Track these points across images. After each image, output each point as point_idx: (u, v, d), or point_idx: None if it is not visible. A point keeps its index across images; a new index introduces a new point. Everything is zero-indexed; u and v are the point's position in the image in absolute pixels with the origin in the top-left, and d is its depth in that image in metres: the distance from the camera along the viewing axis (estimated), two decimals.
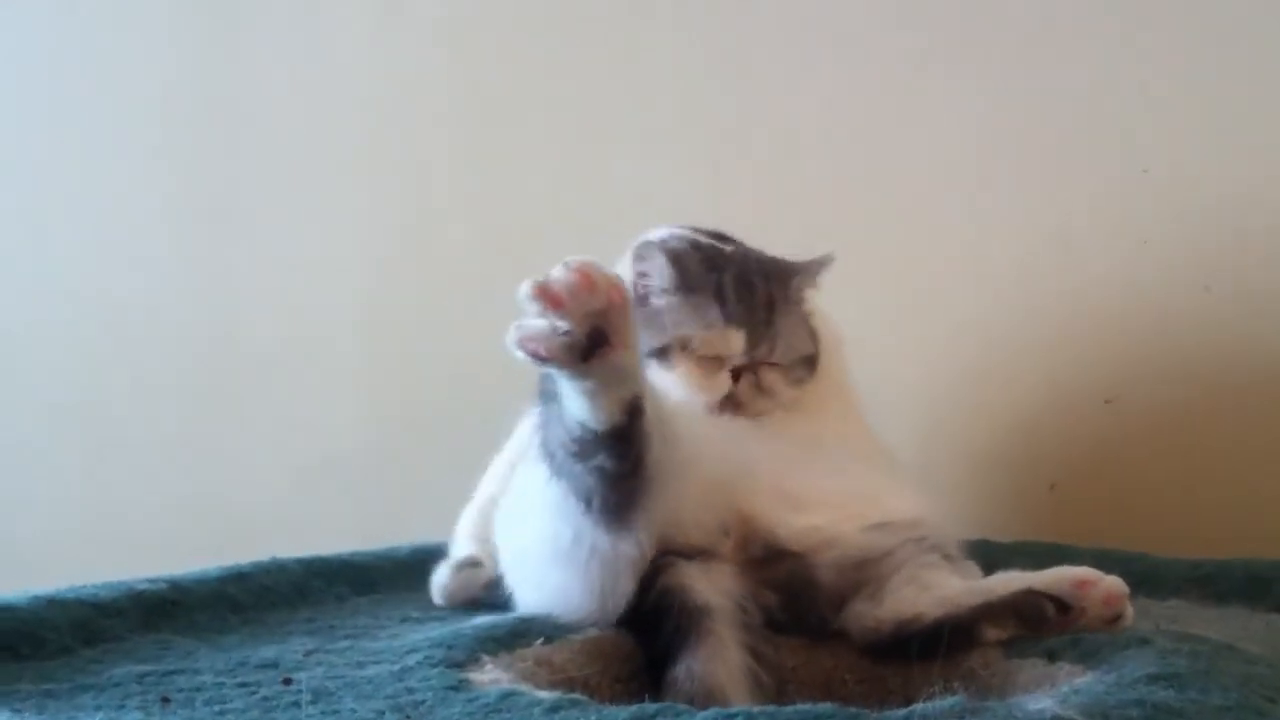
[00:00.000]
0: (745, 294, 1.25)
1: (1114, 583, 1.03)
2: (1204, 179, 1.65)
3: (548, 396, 1.01)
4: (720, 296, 1.24)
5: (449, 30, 2.05)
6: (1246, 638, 1.09)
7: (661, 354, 1.23)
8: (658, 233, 1.32)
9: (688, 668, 0.98)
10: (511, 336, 0.90)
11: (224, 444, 2.11)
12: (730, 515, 1.12)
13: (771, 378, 1.26)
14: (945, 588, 1.06)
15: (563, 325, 0.90)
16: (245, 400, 2.11)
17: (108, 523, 2.11)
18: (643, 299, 1.24)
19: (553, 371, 0.95)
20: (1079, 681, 0.87)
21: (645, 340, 1.20)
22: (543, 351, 0.90)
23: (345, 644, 1.04)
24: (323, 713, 0.80)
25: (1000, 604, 1.02)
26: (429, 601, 1.28)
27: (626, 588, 1.04)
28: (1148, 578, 1.39)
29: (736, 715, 0.75)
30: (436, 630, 1.05)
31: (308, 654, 0.99)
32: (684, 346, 1.23)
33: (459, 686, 0.86)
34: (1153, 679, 0.82)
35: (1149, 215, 1.66)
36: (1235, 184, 1.64)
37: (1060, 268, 1.71)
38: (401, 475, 1.99)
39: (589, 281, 0.89)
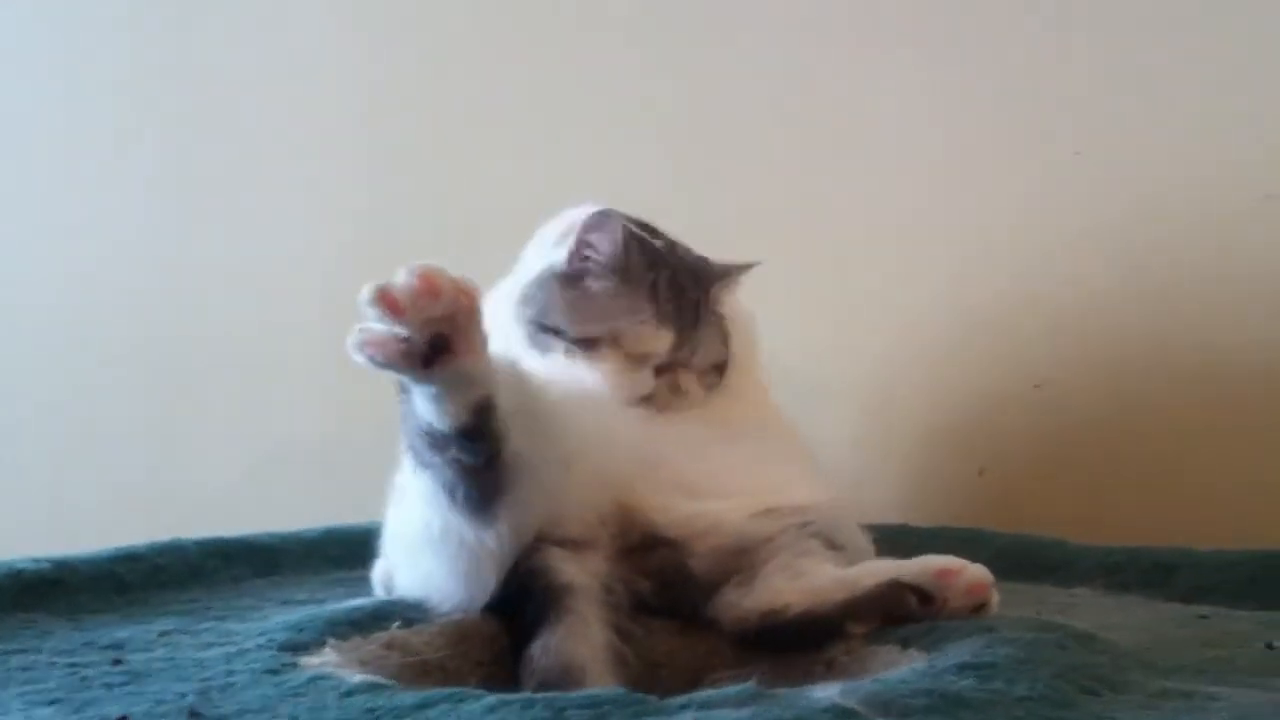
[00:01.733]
0: (677, 296, 1.24)
1: (977, 572, 1.02)
2: (1134, 164, 1.62)
3: (404, 388, 1.00)
4: (654, 295, 1.23)
5: (418, 18, 2.04)
6: (1122, 626, 1.08)
7: (589, 344, 1.22)
8: (579, 211, 1.30)
9: (544, 644, 0.97)
10: (352, 340, 0.89)
11: (189, 429, 2.11)
12: (611, 506, 1.12)
13: (687, 380, 1.26)
14: (814, 578, 1.05)
15: (401, 331, 0.89)
16: (211, 386, 2.11)
17: (72, 509, 2.11)
18: (579, 275, 1.23)
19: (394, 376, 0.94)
20: (896, 670, 0.86)
21: (573, 324, 1.21)
22: (380, 357, 0.89)
23: (208, 625, 1.04)
24: (130, 694, 0.81)
25: (865, 599, 1.01)
26: (328, 583, 1.29)
27: (490, 579, 1.03)
28: (1059, 565, 1.39)
29: (513, 703, 0.75)
30: (302, 613, 1.05)
31: (162, 634, 1.00)
32: (615, 341, 1.22)
33: (280, 670, 0.86)
34: (962, 668, 0.81)
35: (1081, 200, 1.64)
36: (1165, 169, 1.61)
37: (991, 252, 1.69)
38: (369, 461, 1.98)
39: (431, 287, 0.87)
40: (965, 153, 1.71)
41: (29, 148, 2.21)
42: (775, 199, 1.79)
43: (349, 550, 1.38)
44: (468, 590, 1.04)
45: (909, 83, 1.75)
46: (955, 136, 1.72)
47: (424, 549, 1.05)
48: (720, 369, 1.29)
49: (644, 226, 1.28)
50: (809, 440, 1.34)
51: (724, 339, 1.30)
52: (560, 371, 1.21)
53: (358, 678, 0.84)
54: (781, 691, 0.79)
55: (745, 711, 0.72)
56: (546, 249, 1.28)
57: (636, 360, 1.22)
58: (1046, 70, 1.68)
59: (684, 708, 0.75)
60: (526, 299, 1.24)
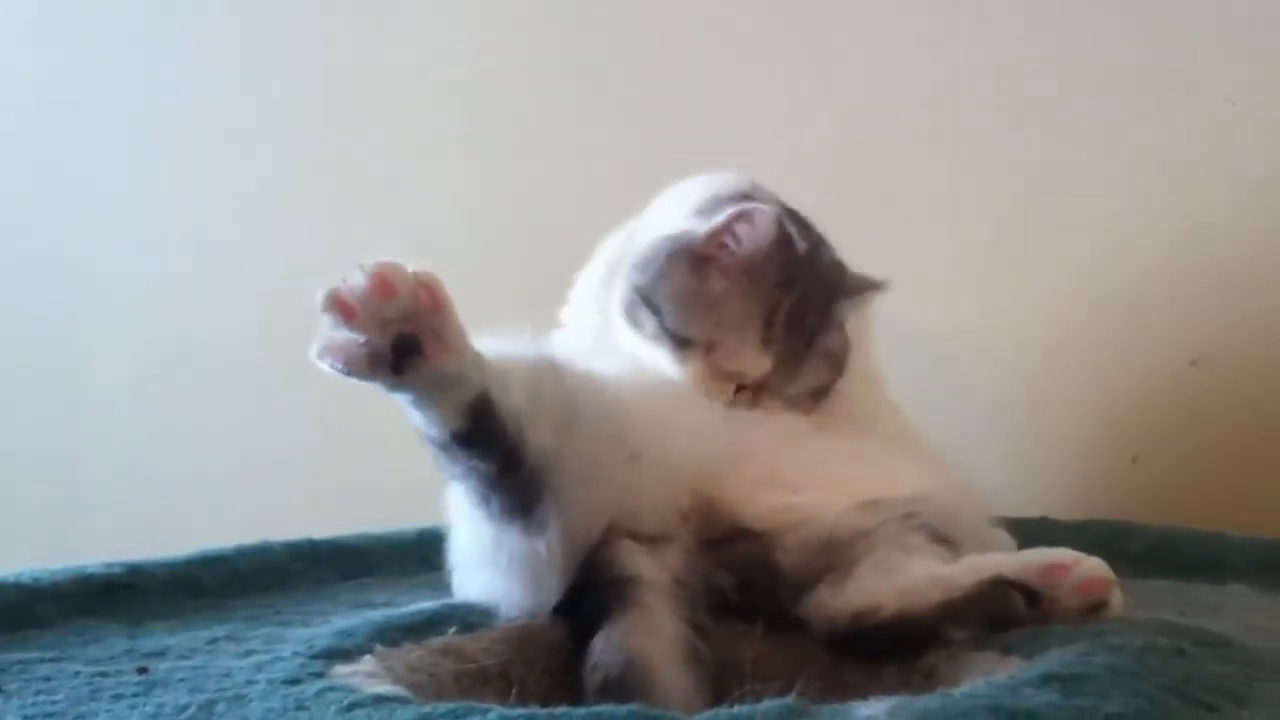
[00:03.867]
0: (794, 325, 1.14)
1: (1091, 567, 0.91)
2: None
3: None
4: (771, 319, 1.13)
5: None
6: (1273, 630, 0.95)
7: (683, 343, 1.13)
8: (727, 181, 1.20)
9: (606, 637, 0.90)
10: (314, 347, 0.83)
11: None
12: (692, 498, 1.03)
13: (770, 403, 1.15)
14: (909, 576, 0.95)
15: (358, 337, 0.82)
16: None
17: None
18: (705, 260, 1.13)
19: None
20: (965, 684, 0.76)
21: (676, 314, 1.12)
22: (342, 365, 0.82)
23: (264, 631, 0.99)
24: (129, 707, 0.76)
25: (964, 600, 0.91)
26: (416, 586, 1.23)
27: (552, 585, 0.96)
28: (1215, 560, 1.26)
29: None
30: (359, 618, 1.00)
31: (210, 642, 0.95)
32: (709, 348, 1.13)
33: (302, 680, 0.80)
34: (1046, 679, 0.70)
35: (1238, 151, 1.48)
36: None
37: (1139, 216, 1.55)
38: None
39: (385, 286, 0.80)
40: (1107, 105, 1.57)
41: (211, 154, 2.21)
42: (896, 171, 1.67)
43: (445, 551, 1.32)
44: (530, 599, 0.97)
45: (1054, 30, 1.61)
46: (1094, 86, 1.58)
47: (478, 562, 0.99)
48: (820, 393, 1.18)
49: (794, 216, 1.17)
50: (942, 430, 1.24)
51: (834, 362, 1.18)
52: (633, 358, 1.14)
53: (370, 690, 0.77)
54: (822, 708, 0.70)
55: None
56: (682, 212, 1.18)
57: (724, 375, 1.13)
58: (1194, 8, 1.53)
59: None
60: (646, 264, 1.14)
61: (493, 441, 0.89)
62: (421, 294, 0.82)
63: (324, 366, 0.82)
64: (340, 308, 0.80)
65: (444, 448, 0.90)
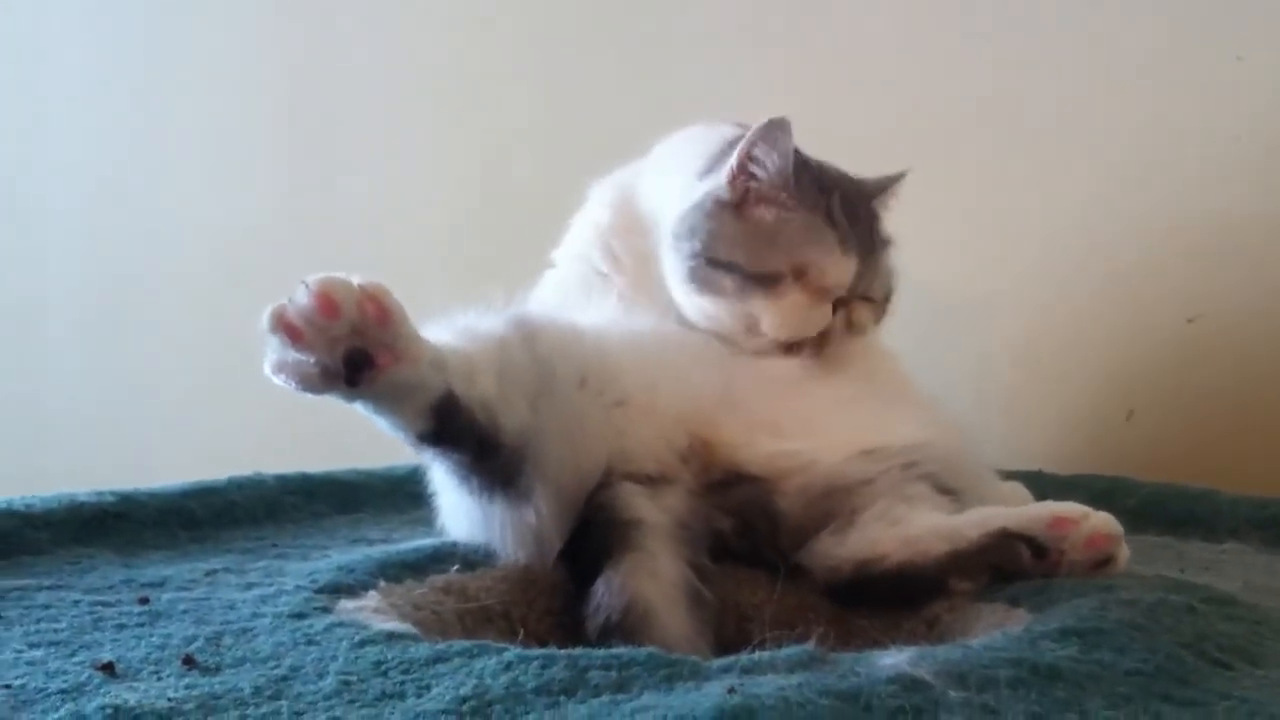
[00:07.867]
0: (852, 218, 1.13)
1: (1100, 521, 0.90)
2: None
3: None
4: (832, 219, 1.11)
5: None
6: (1272, 588, 0.95)
7: (768, 281, 1.10)
8: (717, 133, 1.19)
9: (607, 580, 0.89)
10: (267, 364, 0.80)
11: None
12: (690, 441, 1.03)
13: (863, 314, 1.15)
14: (914, 526, 0.94)
15: (307, 358, 0.79)
16: None
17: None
18: (743, 199, 1.11)
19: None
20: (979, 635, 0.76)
21: (752, 258, 1.10)
22: (296, 383, 0.80)
23: (262, 564, 0.98)
24: (135, 637, 0.75)
25: (970, 551, 0.90)
26: (409, 522, 1.22)
27: (549, 543, 0.95)
28: (1209, 517, 1.27)
29: (532, 659, 0.66)
30: (359, 553, 0.99)
31: (208, 574, 0.94)
32: (799, 274, 1.11)
33: (307, 614, 0.79)
34: (1065, 633, 0.70)
35: (1242, 109, 1.47)
36: None
37: (1140, 171, 1.53)
38: None
39: (329, 305, 0.78)
40: (1112, 58, 1.55)
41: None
42: (891, 126, 1.65)
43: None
44: (528, 556, 0.97)
45: None
46: (1100, 39, 1.55)
47: (470, 526, 0.98)
48: (889, 301, 1.18)
49: None
50: (939, 384, 1.24)
51: (891, 267, 1.18)
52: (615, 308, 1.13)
53: (380, 626, 0.76)
54: (843, 656, 0.69)
55: (795, 678, 0.63)
56: (688, 171, 1.17)
57: (820, 295, 1.12)
58: None
59: (725, 671, 0.65)
60: (691, 230, 1.12)
61: (463, 436, 0.88)
62: (368, 307, 0.79)
63: (278, 382, 0.80)
64: (287, 329, 0.78)
65: (414, 446, 0.89)
